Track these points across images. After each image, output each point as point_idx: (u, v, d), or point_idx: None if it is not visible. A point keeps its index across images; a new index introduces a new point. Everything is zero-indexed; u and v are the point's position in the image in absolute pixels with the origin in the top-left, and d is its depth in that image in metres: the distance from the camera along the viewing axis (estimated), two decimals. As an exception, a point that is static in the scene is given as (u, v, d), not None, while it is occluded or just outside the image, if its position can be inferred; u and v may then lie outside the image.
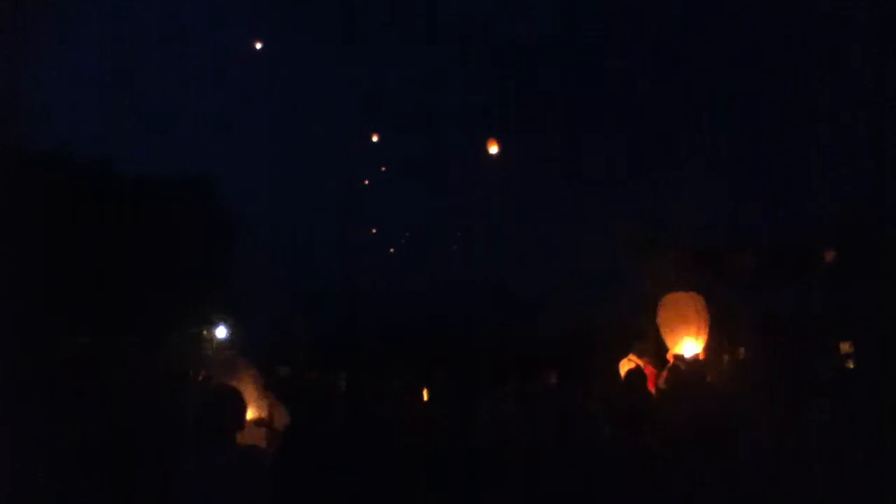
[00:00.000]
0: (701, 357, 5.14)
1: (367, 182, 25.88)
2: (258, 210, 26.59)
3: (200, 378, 6.61)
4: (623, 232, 19.80)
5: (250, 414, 4.60)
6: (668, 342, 5.22)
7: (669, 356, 5.19)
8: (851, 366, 9.26)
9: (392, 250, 28.79)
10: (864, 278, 13.62)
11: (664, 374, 5.14)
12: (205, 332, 21.09)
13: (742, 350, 13.73)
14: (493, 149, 11.76)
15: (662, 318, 5.29)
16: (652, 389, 5.54)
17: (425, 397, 8.68)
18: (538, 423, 5.68)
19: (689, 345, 5.13)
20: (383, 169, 24.10)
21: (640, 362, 5.62)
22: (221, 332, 20.05)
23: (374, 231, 27.18)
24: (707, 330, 5.15)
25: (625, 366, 6.00)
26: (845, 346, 10.09)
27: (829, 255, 16.45)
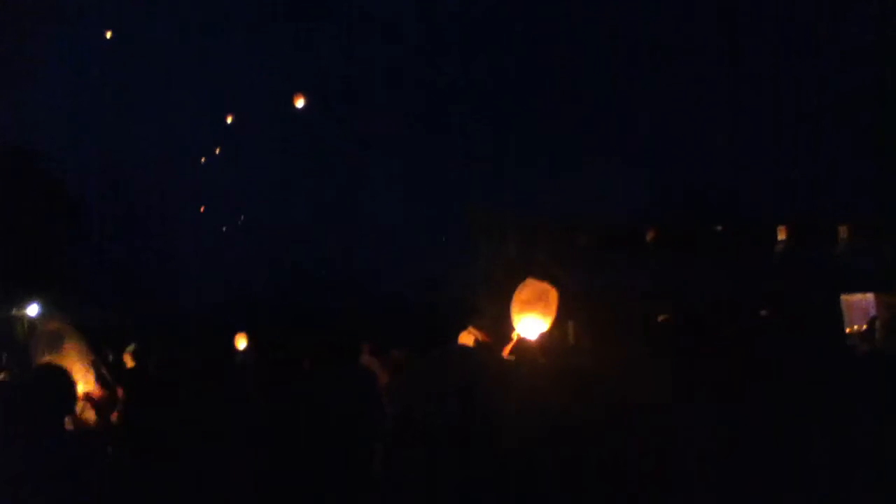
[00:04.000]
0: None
1: (203, 160, 24.73)
2: (88, 183, 24.71)
3: (3, 360, 5.96)
4: (466, 212, 20.25)
5: (79, 388, 4.24)
6: (515, 322, 5.35)
7: (514, 335, 5.32)
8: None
9: (225, 228, 27.75)
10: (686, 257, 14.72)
11: (509, 346, 5.26)
12: (15, 311, 19.31)
13: (571, 324, 14.42)
14: (300, 102, 11.68)
15: (517, 301, 5.41)
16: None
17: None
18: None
19: (533, 324, 5.27)
20: (217, 151, 23.12)
21: (480, 334, 5.72)
22: (34, 309, 18.41)
23: (203, 209, 26.03)
24: (553, 318, 5.33)
25: (465, 338, 6.07)
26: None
27: (651, 234, 17.69)
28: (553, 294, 5.37)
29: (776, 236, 18.13)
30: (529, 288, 5.41)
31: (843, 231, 18.24)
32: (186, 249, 26.91)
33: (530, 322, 5.31)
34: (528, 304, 5.32)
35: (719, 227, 17.72)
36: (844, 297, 14.49)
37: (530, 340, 5.25)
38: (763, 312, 7.13)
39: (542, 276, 5.65)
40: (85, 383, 4.26)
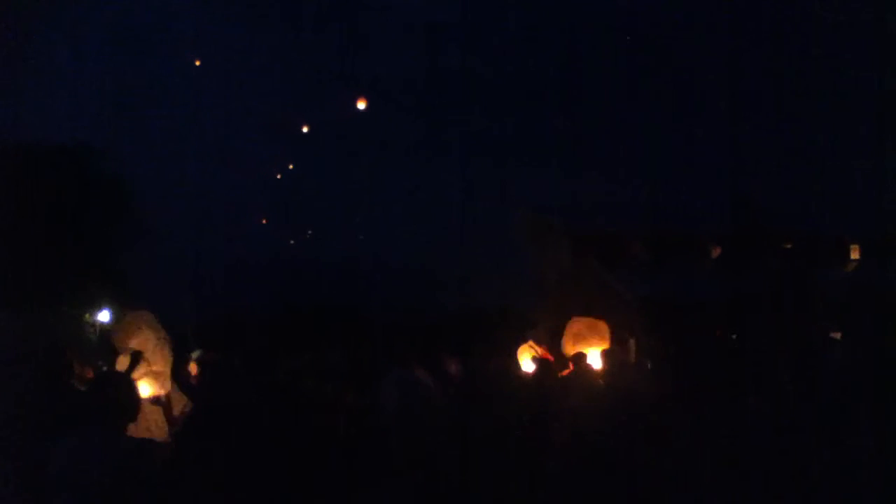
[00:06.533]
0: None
1: (279, 176, 25.26)
2: (153, 188, 25.50)
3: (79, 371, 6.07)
4: (518, 218, 20.09)
5: (150, 390, 4.17)
6: (571, 353, 5.32)
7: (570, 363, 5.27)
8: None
9: (292, 242, 28.16)
10: (749, 271, 14.29)
11: (566, 372, 5.18)
12: (87, 316, 19.85)
13: (632, 341, 14.14)
14: (362, 104, 11.95)
15: (569, 334, 5.40)
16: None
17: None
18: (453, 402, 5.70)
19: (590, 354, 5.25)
20: (290, 166, 23.59)
21: (540, 350, 5.65)
22: (105, 315, 18.90)
23: (265, 221, 26.48)
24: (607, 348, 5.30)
25: (525, 352, 6.00)
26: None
27: (716, 250, 17.23)
28: (603, 326, 5.36)
29: (848, 254, 17.46)
30: (579, 323, 5.41)
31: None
32: (249, 254, 27.41)
33: (590, 349, 5.28)
34: (581, 337, 5.32)
35: (788, 246, 17.17)
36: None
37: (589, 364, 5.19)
38: (836, 335, 6.82)
39: (589, 306, 5.60)
40: (154, 385, 4.14)
